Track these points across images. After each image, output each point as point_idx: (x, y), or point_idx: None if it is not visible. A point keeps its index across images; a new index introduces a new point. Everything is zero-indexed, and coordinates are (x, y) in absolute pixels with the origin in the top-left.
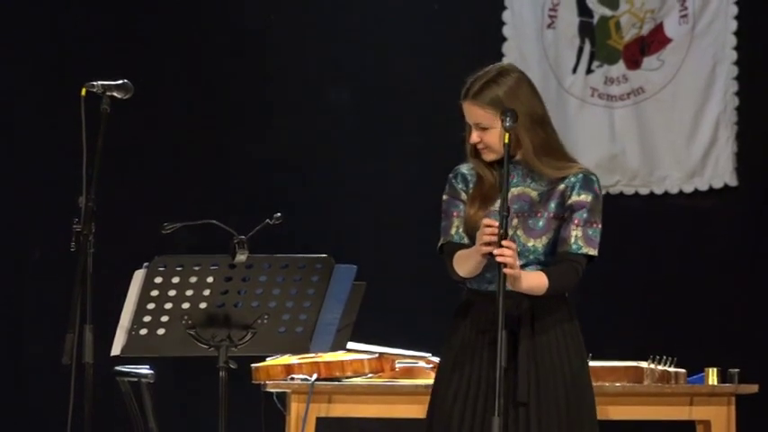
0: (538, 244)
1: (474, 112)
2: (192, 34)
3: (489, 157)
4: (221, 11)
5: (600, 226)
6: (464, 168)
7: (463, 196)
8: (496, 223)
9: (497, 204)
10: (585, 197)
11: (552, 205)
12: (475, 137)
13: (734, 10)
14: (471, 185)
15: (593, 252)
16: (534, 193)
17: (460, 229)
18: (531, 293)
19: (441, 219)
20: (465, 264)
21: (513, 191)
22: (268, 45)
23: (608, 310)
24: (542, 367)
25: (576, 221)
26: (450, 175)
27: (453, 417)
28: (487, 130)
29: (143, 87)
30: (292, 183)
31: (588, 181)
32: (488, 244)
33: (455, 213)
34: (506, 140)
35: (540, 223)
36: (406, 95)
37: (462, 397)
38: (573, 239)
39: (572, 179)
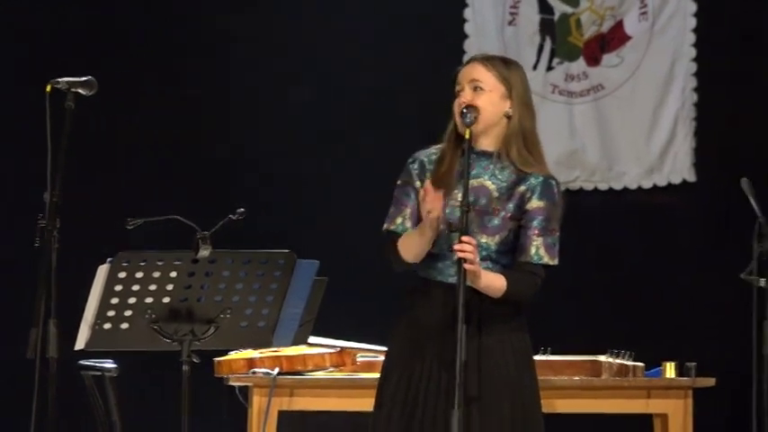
0: (490, 242)
1: (479, 72)
2: (159, 34)
3: (479, 125)
4: (188, 11)
5: (558, 233)
6: (423, 155)
7: (417, 183)
8: (433, 190)
9: (455, 195)
10: (544, 204)
11: (511, 206)
12: (468, 95)
13: (692, 7)
14: (428, 173)
15: (554, 262)
16: (494, 188)
17: (407, 222)
18: (487, 293)
19: (392, 202)
20: (411, 247)
21: (473, 182)
22: (232, 46)
23: (567, 304)
24: (488, 363)
25: (535, 230)
26: (409, 160)
27: (398, 407)
28: (483, 92)
29: (108, 85)
30: (255, 180)
31: (548, 186)
32: (433, 213)
33: (404, 203)
34: (467, 136)
35: (496, 222)
36: (368, 92)
37: (410, 390)
38: (533, 250)
39: (533, 181)
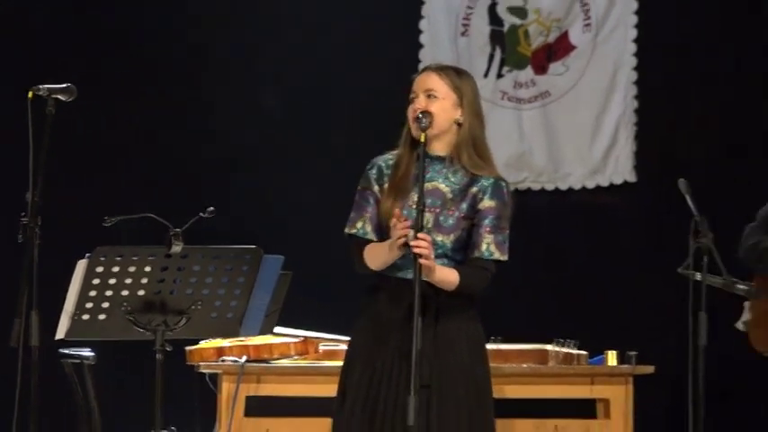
0: (446, 240)
1: (433, 81)
2: (136, 41)
3: (433, 130)
4: (165, 20)
5: (508, 231)
6: (381, 161)
7: (375, 188)
8: (404, 216)
9: (412, 197)
10: (495, 203)
11: (464, 206)
12: (422, 102)
13: (633, 19)
14: (385, 178)
15: (504, 257)
16: (447, 190)
17: (367, 227)
18: (442, 287)
19: (352, 207)
20: (378, 259)
21: (428, 185)
22: (205, 53)
23: (517, 297)
24: (442, 353)
25: (486, 228)
26: (368, 167)
27: (364, 396)
28: (436, 100)
29: (88, 90)
30: (226, 179)
31: (498, 187)
32: (402, 239)
33: (365, 208)
34: (422, 140)
35: (450, 221)
36: (332, 98)
37: (372, 378)
38: (485, 246)
39: (484, 183)
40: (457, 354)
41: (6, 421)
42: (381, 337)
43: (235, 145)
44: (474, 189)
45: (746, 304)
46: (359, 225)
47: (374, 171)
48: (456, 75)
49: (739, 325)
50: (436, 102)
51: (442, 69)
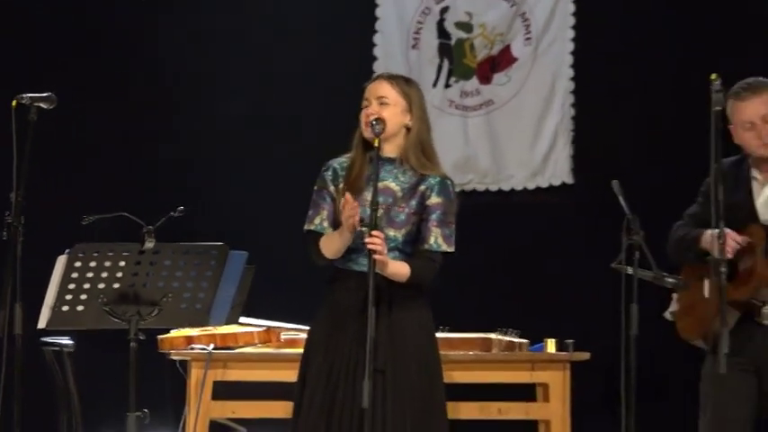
0: (397, 234)
1: (385, 88)
2: (110, 52)
3: (384, 134)
4: (137, 32)
5: (454, 225)
6: (336, 163)
7: (331, 188)
8: (352, 200)
9: (365, 196)
10: (441, 200)
11: (413, 203)
12: (375, 108)
13: (571, 33)
14: (341, 179)
15: (450, 249)
16: (397, 189)
17: (325, 222)
18: (394, 278)
19: (310, 205)
20: (332, 246)
21: (380, 185)
22: (175, 63)
23: (463, 290)
24: (396, 340)
25: (434, 222)
26: (323, 169)
27: (324, 382)
28: (387, 106)
29: (66, 98)
30: (195, 181)
31: (444, 185)
32: (352, 218)
33: (321, 205)
34: (376, 144)
35: (402, 217)
36: (293, 104)
37: (335, 365)
38: (433, 239)
39: (431, 181)
40: (410, 340)
41: None
42: (339, 326)
43: (204, 151)
44: (422, 187)
45: (674, 296)
46: (316, 221)
47: (329, 172)
48: (405, 83)
49: (667, 315)
50: (387, 108)
51: (392, 78)
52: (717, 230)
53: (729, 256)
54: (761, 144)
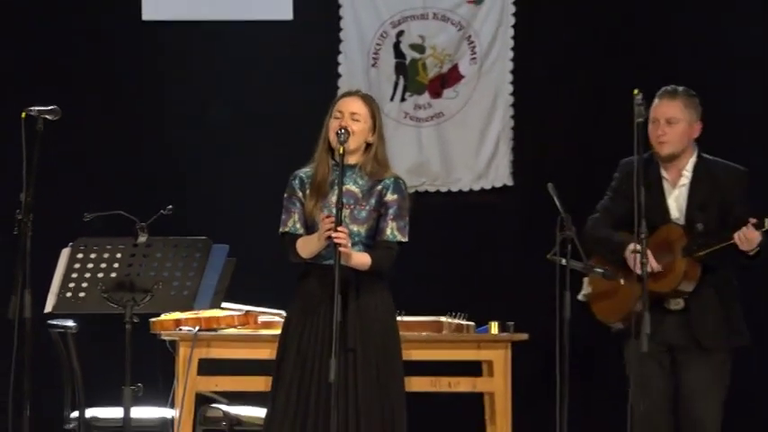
0: (361, 229)
1: (358, 105)
2: (104, 65)
3: (351, 145)
4: (130, 47)
5: (407, 218)
6: (301, 173)
7: (299, 194)
8: (332, 216)
9: (330, 198)
10: (396, 197)
11: (372, 201)
12: (347, 121)
13: (510, 54)
14: (307, 185)
15: (404, 239)
16: (358, 190)
17: (297, 224)
18: (358, 268)
19: (282, 211)
20: (308, 249)
21: (345, 188)
22: (163, 71)
23: (418, 278)
24: (364, 322)
25: (390, 216)
26: (291, 178)
27: (299, 360)
28: (358, 122)
29: (69, 110)
30: (184, 182)
31: (398, 184)
32: (329, 231)
33: (292, 210)
34: (341, 152)
35: (363, 214)
36: (269, 115)
37: (307, 343)
38: (389, 230)
39: (387, 182)
40: (375, 322)
41: (5, 379)
42: (312, 311)
43: (191, 157)
44: (379, 187)
45: (585, 280)
46: (290, 224)
47: (296, 181)
48: (374, 104)
49: (580, 297)
50: (358, 123)
51: (366, 98)
52: (638, 248)
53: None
54: (656, 140)
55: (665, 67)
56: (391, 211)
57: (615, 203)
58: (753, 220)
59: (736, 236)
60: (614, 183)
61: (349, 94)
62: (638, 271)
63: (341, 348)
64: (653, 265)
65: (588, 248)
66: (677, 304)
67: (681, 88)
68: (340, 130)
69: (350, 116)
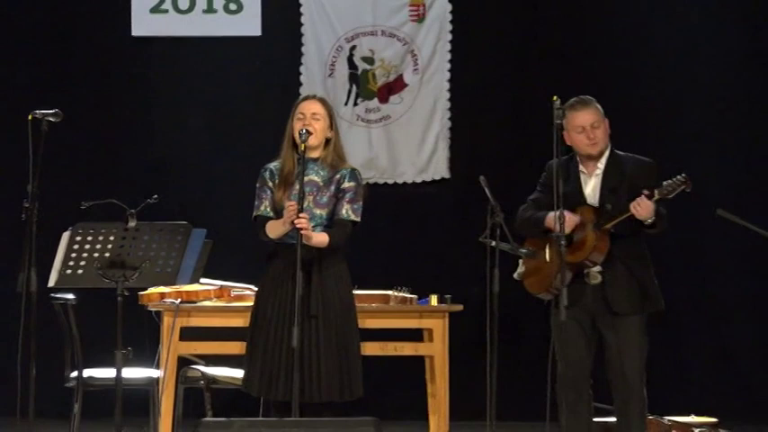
0: (323, 212)
1: (317, 107)
2: (99, 74)
3: (313, 142)
4: (121, 58)
5: (361, 202)
6: (271, 165)
7: (269, 184)
8: (296, 204)
9: (295, 187)
10: (352, 184)
11: (332, 188)
12: (308, 121)
13: (448, 66)
14: (276, 176)
15: (357, 219)
16: (320, 180)
17: (268, 208)
18: (319, 246)
19: (255, 198)
20: (276, 231)
21: (306, 179)
22: (149, 79)
23: (369, 257)
24: (326, 293)
25: (347, 199)
26: (262, 170)
27: (270, 328)
28: (319, 121)
29: (69, 113)
30: (167, 173)
31: (354, 174)
32: (292, 217)
33: (264, 197)
34: (303, 148)
35: (325, 199)
36: (241, 117)
37: (275, 313)
38: (344, 211)
39: (344, 172)
40: (335, 293)
41: (15, 344)
42: (279, 285)
43: (174, 153)
44: (338, 176)
45: (520, 261)
46: (262, 209)
47: (267, 173)
48: (329, 105)
49: (516, 275)
50: (319, 122)
51: (323, 101)
52: (557, 212)
53: (568, 231)
54: (590, 144)
55: (580, 76)
56: (348, 195)
57: (542, 194)
58: (645, 192)
59: (631, 205)
60: (542, 179)
61: (308, 97)
62: (557, 230)
63: (305, 315)
64: (572, 218)
65: (519, 230)
66: (595, 279)
67: (587, 97)
68: (302, 130)
69: (311, 116)
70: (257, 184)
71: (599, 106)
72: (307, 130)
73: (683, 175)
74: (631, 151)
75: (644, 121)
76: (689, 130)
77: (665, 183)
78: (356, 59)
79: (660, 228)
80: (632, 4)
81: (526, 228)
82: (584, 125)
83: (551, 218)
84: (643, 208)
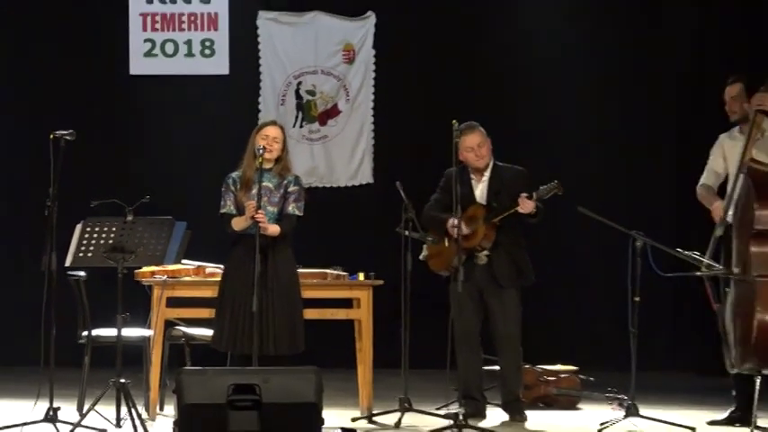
0: (274, 210)
1: (277, 132)
2: (103, 104)
3: (271, 156)
4: (121, 92)
5: (303, 202)
6: (234, 174)
7: (232, 188)
8: (255, 203)
9: (254, 190)
10: (297, 188)
11: (281, 191)
12: (270, 142)
13: (372, 96)
14: (237, 183)
15: (301, 214)
16: (272, 185)
17: (232, 207)
18: (273, 236)
19: (221, 198)
20: (239, 225)
21: (262, 184)
22: (143, 109)
23: (310, 244)
24: (278, 270)
25: (292, 199)
26: (226, 178)
27: (235, 297)
28: (277, 143)
29: (81, 133)
30: (158, 180)
31: (297, 180)
32: (252, 213)
33: (228, 198)
34: (260, 161)
35: (276, 199)
36: (213, 137)
37: (239, 288)
38: (291, 208)
39: (290, 178)
40: (285, 271)
41: (38, 313)
42: (241, 265)
43: (163, 163)
44: (285, 182)
45: (424, 246)
46: (226, 208)
47: (230, 180)
48: (284, 130)
49: (421, 257)
50: (277, 144)
51: (281, 127)
52: (455, 221)
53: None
54: (477, 159)
55: (472, 104)
56: (293, 196)
57: (441, 196)
58: (525, 195)
59: (519, 201)
60: (441, 183)
61: (270, 123)
62: (455, 236)
63: (262, 287)
64: (464, 229)
65: (425, 225)
66: (482, 260)
67: (474, 123)
68: (260, 148)
69: (272, 139)
70: (222, 188)
71: (482, 129)
72: (264, 147)
73: (556, 181)
74: (516, 162)
75: (526, 137)
76: (562, 143)
77: (541, 187)
78: (302, 92)
79: (539, 218)
80: (520, 47)
81: (431, 224)
82: (473, 145)
83: (450, 224)
84: (527, 205)
